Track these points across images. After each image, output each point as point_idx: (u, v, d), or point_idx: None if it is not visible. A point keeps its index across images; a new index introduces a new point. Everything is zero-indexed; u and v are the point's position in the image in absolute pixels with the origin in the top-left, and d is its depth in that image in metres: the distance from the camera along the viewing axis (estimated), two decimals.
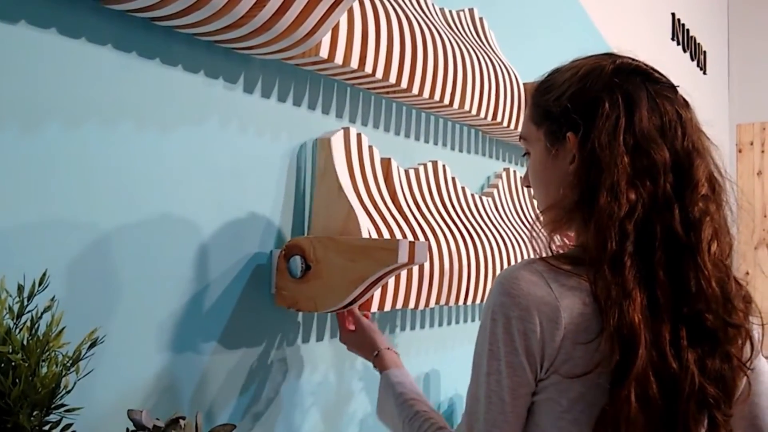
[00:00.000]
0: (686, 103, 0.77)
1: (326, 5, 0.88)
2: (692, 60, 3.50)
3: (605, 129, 0.71)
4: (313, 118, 1.12)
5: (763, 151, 4.23)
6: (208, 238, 0.94)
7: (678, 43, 3.26)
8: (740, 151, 4.29)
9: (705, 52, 3.79)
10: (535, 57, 1.83)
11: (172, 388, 0.89)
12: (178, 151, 0.90)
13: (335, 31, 1.00)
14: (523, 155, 0.84)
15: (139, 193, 0.85)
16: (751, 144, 4.27)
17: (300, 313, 1.09)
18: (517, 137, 1.58)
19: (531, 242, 0.78)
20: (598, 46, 2.33)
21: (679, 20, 3.25)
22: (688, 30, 3.40)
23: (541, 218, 0.79)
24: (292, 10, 0.86)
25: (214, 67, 0.95)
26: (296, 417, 1.09)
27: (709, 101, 3.92)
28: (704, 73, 3.78)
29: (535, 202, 0.87)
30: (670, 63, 3.19)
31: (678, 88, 0.78)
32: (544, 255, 0.74)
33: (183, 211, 0.91)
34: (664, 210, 0.69)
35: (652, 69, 0.78)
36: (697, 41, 3.62)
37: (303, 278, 1.00)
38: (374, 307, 1.08)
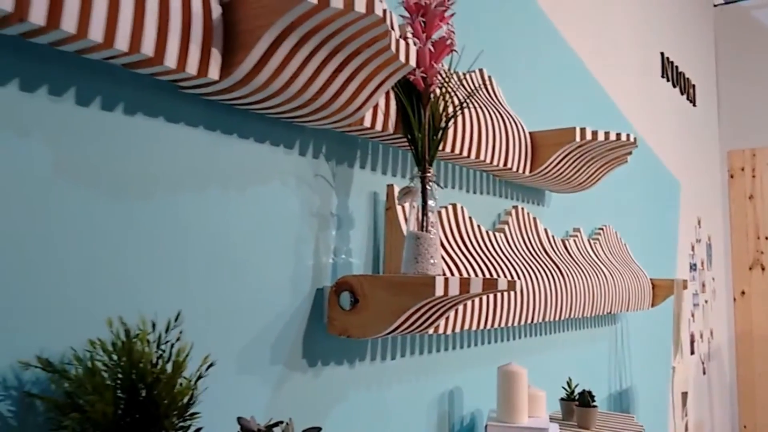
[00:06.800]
0: None
1: (370, 90, 1.09)
2: (682, 94, 3.72)
3: None
4: (356, 173, 1.32)
5: (754, 176, 4.45)
6: (275, 278, 1.14)
7: (668, 80, 3.47)
8: (732, 176, 4.51)
9: (694, 85, 4.01)
10: (537, 107, 2.05)
11: (250, 403, 1.08)
12: (252, 208, 1.10)
13: (375, 105, 1.20)
14: None
15: (224, 244, 1.05)
16: (742, 170, 4.48)
17: (350, 339, 1.29)
18: (524, 179, 1.79)
19: None
20: (594, 90, 2.55)
21: (668, 58, 3.47)
22: (677, 67, 3.63)
23: None
24: (344, 94, 1.06)
25: (276, 136, 1.16)
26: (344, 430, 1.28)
27: (700, 131, 4.13)
28: (694, 105, 4.00)
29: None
30: (661, 98, 3.41)
31: None
32: None
33: (256, 257, 1.11)
34: None
35: None
36: (686, 76, 3.84)
37: (352, 310, 1.19)
38: (423, 329, 1.27)
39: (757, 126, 4.49)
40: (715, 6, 4.72)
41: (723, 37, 4.66)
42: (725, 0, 4.64)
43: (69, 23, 0.75)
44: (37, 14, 0.73)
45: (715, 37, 4.69)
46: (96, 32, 0.78)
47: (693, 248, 3.83)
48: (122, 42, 0.81)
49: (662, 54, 3.40)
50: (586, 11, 2.57)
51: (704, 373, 3.96)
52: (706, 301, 4.05)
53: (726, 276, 4.49)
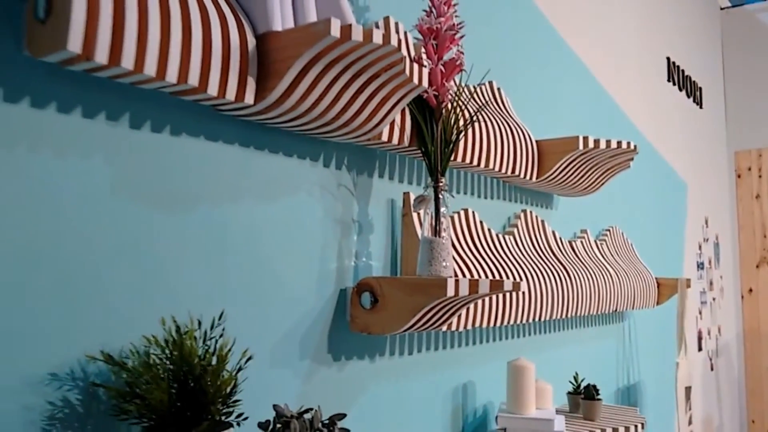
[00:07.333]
0: None
1: (387, 108, 1.20)
2: (688, 97, 3.80)
3: None
4: (375, 182, 1.43)
5: (760, 176, 4.52)
6: (303, 280, 1.25)
7: (674, 84, 3.55)
8: (739, 176, 4.58)
9: (700, 88, 4.08)
10: (545, 114, 2.15)
11: (282, 393, 1.20)
12: (281, 216, 1.21)
13: (392, 121, 1.31)
14: None
15: (258, 250, 1.16)
16: (749, 169, 4.56)
17: (370, 336, 1.40)
18: (532, 185, 1.89)
19: None
20: (600, 96, 2.64)
21: (674, 63, 3.55)
22: (683, 71, 3.71)
23: None
24: (364, 113, 1.17)
25: (303, 150, 1.27)
26: (366, 421, 1.39)
27: (707, 132, 4.21)
28: (701, 107, 4.08)
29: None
30: (667, 102, 3.49)
31: None
32: None
33: (285, 261, 1.22)
34: None
35: None
36: (693, 79, 3.92)
37: (372, 309, 1.30)
38: (442, 328, 1.38)
39: (763, 126, 4.56)
40: (721, 9, 4.80)
41: (729, 40, 4.73)
42: (731, 3, 4.72)
43: (128, 61, 0.87)
44: (101, 55, 0.85)
45: (722, 40, 4.77)
46: (150, 68, 0.89)
47: (700, 247, 3.91)
48: (172, 75, 0.92)
49: (668, 59, 3.48)
50: (590, 17, 2.66)
51: (712, 369, 4.04)
52: (714, 299, 4.13)
53: (734, 274, 4.57)
